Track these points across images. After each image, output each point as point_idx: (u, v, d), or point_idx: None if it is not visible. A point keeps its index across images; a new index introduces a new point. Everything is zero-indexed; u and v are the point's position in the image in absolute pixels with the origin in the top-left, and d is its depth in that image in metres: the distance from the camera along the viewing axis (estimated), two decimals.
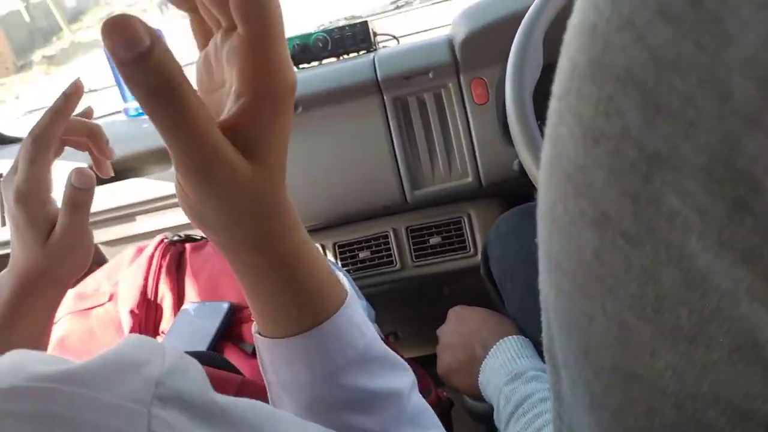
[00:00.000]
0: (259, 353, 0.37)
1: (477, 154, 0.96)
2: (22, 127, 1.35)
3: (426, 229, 1.05)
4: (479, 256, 0.93)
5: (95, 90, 1.32)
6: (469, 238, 1.03)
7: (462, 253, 1.03)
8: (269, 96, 0.29)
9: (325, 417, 0.35)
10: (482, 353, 0.65)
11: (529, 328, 0.66)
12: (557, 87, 0.17)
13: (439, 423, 0.40)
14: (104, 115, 1.23)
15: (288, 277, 0.33)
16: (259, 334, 0.36)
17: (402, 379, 0.38)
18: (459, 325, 0.70)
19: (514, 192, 0.99)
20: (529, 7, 0.68)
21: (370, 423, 0.36)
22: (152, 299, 0.83)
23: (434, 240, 1.04)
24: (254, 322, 0.37)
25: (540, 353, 0.62)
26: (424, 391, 0.76)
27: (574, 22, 0.16)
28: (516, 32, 0.68)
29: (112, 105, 1.22)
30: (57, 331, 0.85)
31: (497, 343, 0.64)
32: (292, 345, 0.34)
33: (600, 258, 0.16)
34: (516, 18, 0.72)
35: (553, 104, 0.17)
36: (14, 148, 1.21)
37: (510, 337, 0.64)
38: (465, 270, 1.02)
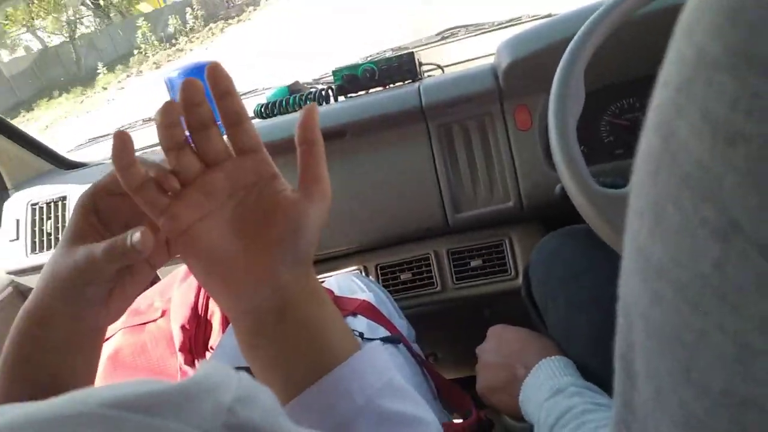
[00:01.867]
0: None
1: (519, 178, 0.97)
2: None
3: (467, 252, 1.06)
4: (520, 279, 0.93)
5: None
6: (510, 261, 1.04)
7: (503, 276, 1.04)
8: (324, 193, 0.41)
9: None
10: (523, 373, 0.65)
11: (571, 349, 0.66)
12: (671, 74, 0.15)
13: None
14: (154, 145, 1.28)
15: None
16: None
17: (423, 410, 0.39)
18: (499, 344, 0.71)
19: (555, 216, 1.00)
20: (572, 36, 0.70)
21: None
22: (202, 315, 0.86)
23: (475, 263, 1.05)
24: None
25: (583, 373, 0.62)
26: (465, 413, 0.76)
27: (698, 2, 0.14)
28: (559, 60, 0.70)
29: None
30: (111, 345, 0.89)
31: (539, 363, 0.64)
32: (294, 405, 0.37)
33: (723, 271, 0.14)
34: (559, 46, 0.74)
35: (665, 94, 0.16)
36: (76, 174, 1.28)
37: (552, 357, 0.64)
38: (505, 292, 1.03)
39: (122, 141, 0.38)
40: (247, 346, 0.40)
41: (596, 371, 0.62)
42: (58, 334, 0.43)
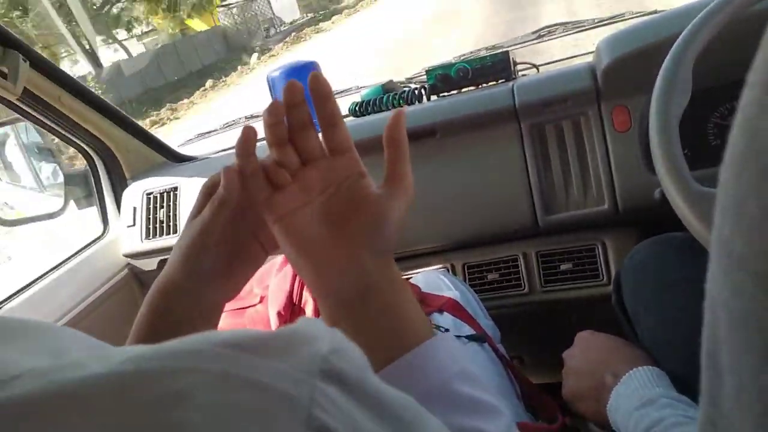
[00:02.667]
0: None
1: (615, 181, 0.95)
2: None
3: (557, 255, 1.04)
4: (612, 286, 0.91)
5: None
6: (602, 267, 1.01)
7: (594, 281, 1.01)
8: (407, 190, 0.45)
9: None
10: (612, 381, 0.63)
11: (663, 360, 0.64)
12: (758, 76, 0.16)
13: None
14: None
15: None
16: None
17: (489, 424, 0.40)
18: (587, 350, 0.69)
19: (653, 222, 0.96)
20: (677, 35, 0.67)
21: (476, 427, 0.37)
22: (297, 303, 0.91)
23: (565, 266, 1.03)
24: None
25: (677, 385, 0.60)
26: (550, 418, 0.75)
27: None
28: (663, 60, 0.67)
29: None
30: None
31: (630, 372, 0.62)
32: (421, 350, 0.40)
33: None
34: (662, 45, 0.71)
35: (752, 94, 0.17)
36: (186, 167, 1.38)
37: (644, 367, 0.62)
38: (595, 298, 1.00)
39: (248, 134, 0.44)
40: (330, 325, 0.43)
41: (689, 384, 0.59)
42: (181, 308, 0.48)
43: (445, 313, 0.80)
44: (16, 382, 0.21)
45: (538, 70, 1.17)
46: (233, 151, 0.45)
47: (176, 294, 0.48)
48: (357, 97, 1.24)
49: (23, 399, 0.20)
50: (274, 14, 22.01)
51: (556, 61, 1.21)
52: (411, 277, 1.00)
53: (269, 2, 21.93)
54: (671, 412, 0.53)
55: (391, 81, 1.29)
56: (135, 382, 0.21)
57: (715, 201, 0.59)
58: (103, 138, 1.32)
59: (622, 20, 1.19)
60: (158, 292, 0.48)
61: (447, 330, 0.76)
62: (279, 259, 0.99)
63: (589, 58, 1.01)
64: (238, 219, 0.49)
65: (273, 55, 15.98)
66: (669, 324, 0.66)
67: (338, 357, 0.25)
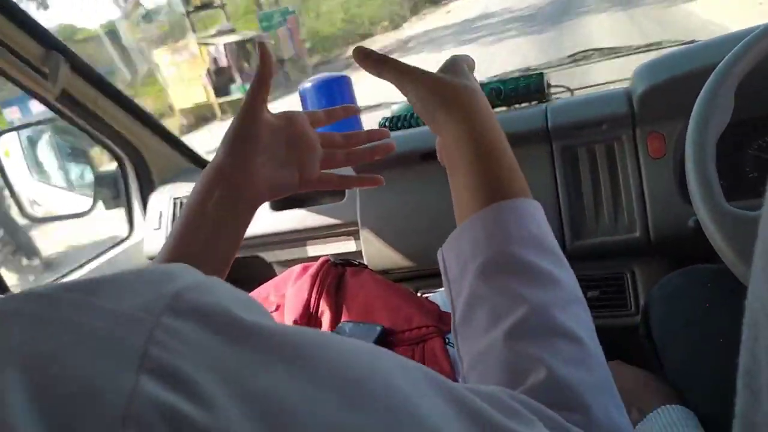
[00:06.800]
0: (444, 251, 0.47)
1: (648, 208, 0.92)
2: None
3: (583, 282, 1.01)
4: (639, 317, 0.88)
5: None
6: (631, 296, 0.97)
7: (621, 311, 0.98)
8: None
9: (494, 282, 0.40)
10: (636, 417, 0.61)
11: (690, 395, 0.61)
12: None
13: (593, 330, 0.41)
14: None
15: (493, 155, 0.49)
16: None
17: (565, 273, 0.43)
18: (616, 381, 0.67)
19: (685, 252, 0.93)
20: (715, 64, 0.65)
21: (532, 294, 0.39)
22: (313, 313, 0.90)
23: (591, 293, 1.00)
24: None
25: (702, 422, 0.57)
26: None
27: None
28: (700, 87, 0.66)
29: None
30: None
31: (657, 409, 0.60)
32: (481, 216, 0.43)
33: None
34: (701, 73, 0.70)
35: None
36: None
37: (672, 405, 0.60)
38: (622, 328, 0.96)
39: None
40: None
41: (716, 420, 0.57)
42: (217, 206, 0.53)
43: None
44: None
45: (572, 93, 1.15)
46: None
47: (215, 196, 0.53)
48: (387, 113, 1.24)
49: None
50: None
51: (591, 86, 1.19)
52: (429, 295, 0.98)
53: None
54: None
55: None
56: None
57: (742, 220, 0.57)
58: (135, 142, 1.34)
59: (659, 48, 1.17)
60: (205, 180, 0.54)
61: None
62: (296, 268, 0.99)
63: (623, 85, 1.00)
64: (294, 141, 0.58)
65: None
66: (697, 358, 0.64)
67: (198, 291, 0.23)
